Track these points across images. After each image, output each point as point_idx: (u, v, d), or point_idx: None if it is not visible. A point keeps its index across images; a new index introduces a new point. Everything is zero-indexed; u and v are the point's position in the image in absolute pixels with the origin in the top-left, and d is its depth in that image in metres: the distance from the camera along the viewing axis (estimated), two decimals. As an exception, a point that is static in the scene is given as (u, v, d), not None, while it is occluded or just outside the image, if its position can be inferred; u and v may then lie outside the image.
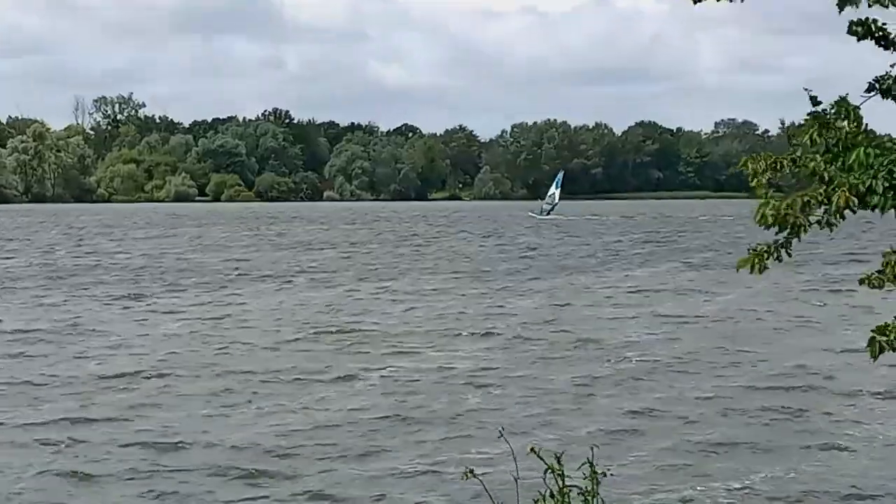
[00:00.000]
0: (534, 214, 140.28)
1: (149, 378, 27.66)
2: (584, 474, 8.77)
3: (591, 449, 9.12)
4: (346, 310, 42.67)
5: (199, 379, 27.46)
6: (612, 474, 9.29)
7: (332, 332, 35.55)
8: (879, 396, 24.84)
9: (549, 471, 8.75)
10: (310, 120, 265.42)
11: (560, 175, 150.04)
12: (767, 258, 8.13)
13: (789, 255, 8.17)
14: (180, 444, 20.82)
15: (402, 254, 76.03)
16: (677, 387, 26.46)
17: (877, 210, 7.66)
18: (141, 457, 19.94)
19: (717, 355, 31.11)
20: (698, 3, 8.19)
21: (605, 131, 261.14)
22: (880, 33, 7.99)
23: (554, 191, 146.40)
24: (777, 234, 7.99)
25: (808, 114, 7.93)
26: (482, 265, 65.33)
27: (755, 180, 8.11)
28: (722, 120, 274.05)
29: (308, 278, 56.87)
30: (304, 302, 45.46)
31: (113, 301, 45.82)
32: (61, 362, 30.13)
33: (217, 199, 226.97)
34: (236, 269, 61.83)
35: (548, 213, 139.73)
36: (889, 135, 7.95)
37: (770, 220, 7.82)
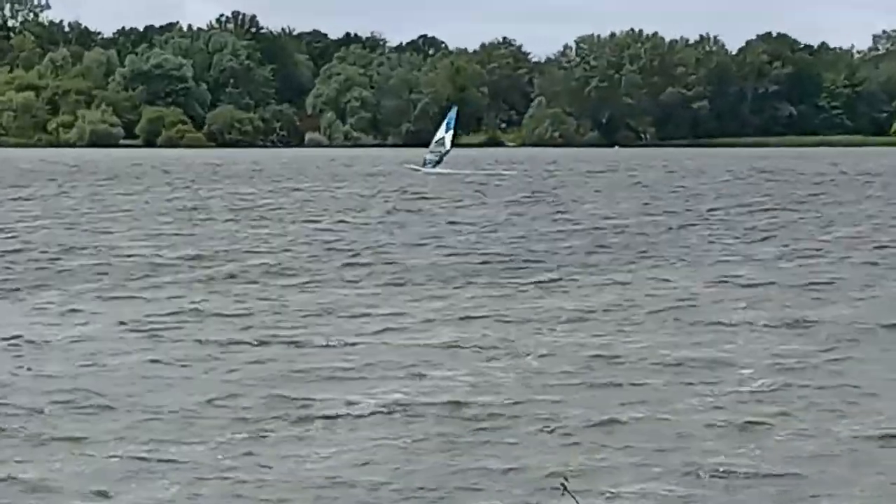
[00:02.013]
0: (416, 168, 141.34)
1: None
2: None
3: None
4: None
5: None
6: None
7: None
8: None
9: None
10: (285, 29, 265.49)
11: (452, 112, 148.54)
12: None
13: None
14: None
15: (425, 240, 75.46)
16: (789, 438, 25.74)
17: None
18: None
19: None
20: None
21: (714, 48, 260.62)
22: None
23: (443, 134, 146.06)
24: None
25: None
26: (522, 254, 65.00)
27: None
28: (884, 32, 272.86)
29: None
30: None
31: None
32: None
33: (151, 144, 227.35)
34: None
35: (434, 165, 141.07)
36: None
37: None
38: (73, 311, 42.00)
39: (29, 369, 29.87)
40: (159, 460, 22.93)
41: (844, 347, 32.61)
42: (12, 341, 33.52)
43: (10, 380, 28.52)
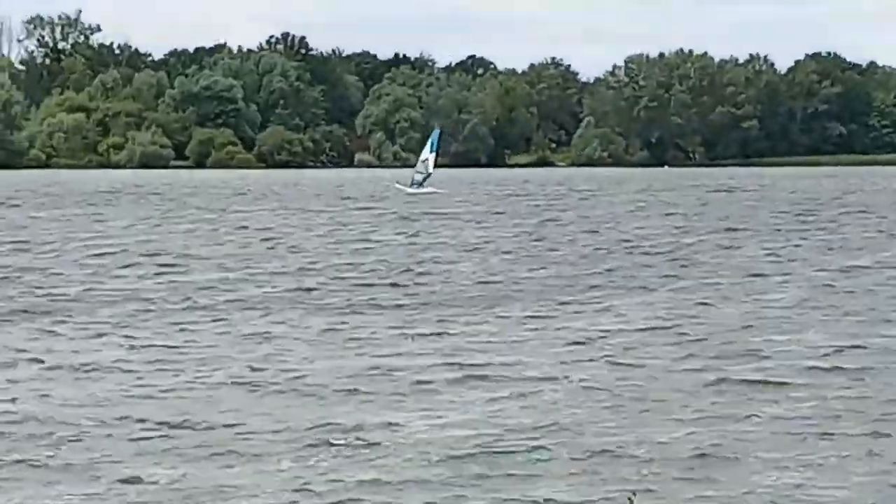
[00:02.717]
0: (401, 187, 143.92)
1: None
2: None
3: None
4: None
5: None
6: None
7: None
8: None
9: None
10: (335, 51, 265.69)
11: (435, 134, 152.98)
12: None
13: None
14: None
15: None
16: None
17: None
18: None
19: None
20: None
21: (764, 68, 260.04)
22: None
23: (428, 155, 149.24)
24: None
25: None
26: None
27: None
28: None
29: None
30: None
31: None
32: None
33: (202, 165, 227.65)
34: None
35: (420, 185, 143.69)
36: None
37: None
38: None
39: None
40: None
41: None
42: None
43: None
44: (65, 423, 27.70)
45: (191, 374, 33.32)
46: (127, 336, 39.86)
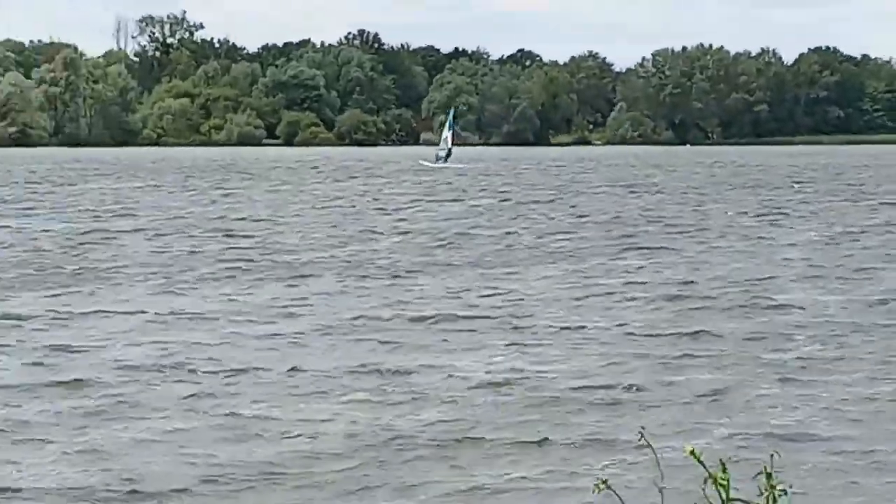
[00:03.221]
0: (426, 163, 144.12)
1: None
2: (760, 489, 8.42)
3: (771, 457, 8.74)
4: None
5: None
6: (795, 491, 8.88)
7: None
8: None
9: (711, 481, 8.39)
10: (403, 45, 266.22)
11: (451, 114, 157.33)
12: None
13: None
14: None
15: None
16: (857, 382, 26.25)
17: None
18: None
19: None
20: None
21: (772, 60, 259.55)
22: None
23: (446, 133, 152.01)
24: None
25: None
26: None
27: None
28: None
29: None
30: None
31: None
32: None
33: (290, 143, 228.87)
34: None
35: (444, 161, 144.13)
36: None
37: None
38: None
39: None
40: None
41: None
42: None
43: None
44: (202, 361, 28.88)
45: (286, 325, 33.42)
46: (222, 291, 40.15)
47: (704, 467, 8.43)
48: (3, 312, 35.26)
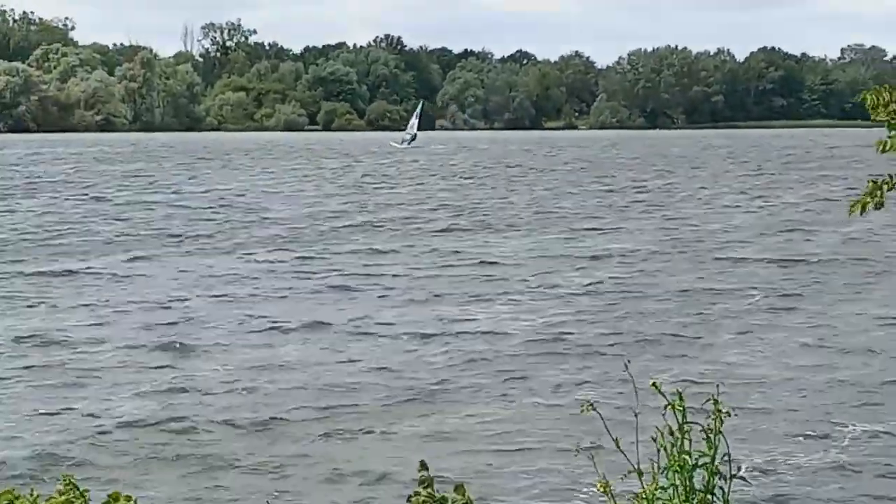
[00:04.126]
0: (395, 144, 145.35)
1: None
2: (708, 413, 8.99)
3: (717, 387, 9.34)
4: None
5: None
6: (736, 414, 9.47)
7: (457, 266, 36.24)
8: None
9: (670, 407, 8.99)
10: (422, 47, 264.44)
11: (420, 106, 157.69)
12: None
13: None
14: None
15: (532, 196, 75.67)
16: (796, 328, 26.54)
17: None
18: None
19: (839, 290, 31.11)
20: None
21: (727, 58, 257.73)
22: None
23: (413, 121, 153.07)
24: None
25: None
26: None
27: (877, 111, 8.08)
28: (849, 45, 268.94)
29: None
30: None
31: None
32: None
33: (328, 128, 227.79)
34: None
35: (409, 143, 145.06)
36: None
37: None
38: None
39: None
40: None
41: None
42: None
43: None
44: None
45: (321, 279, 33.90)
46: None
47: (664, 396, 9.10)
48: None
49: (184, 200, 63.92)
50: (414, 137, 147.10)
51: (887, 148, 8.19)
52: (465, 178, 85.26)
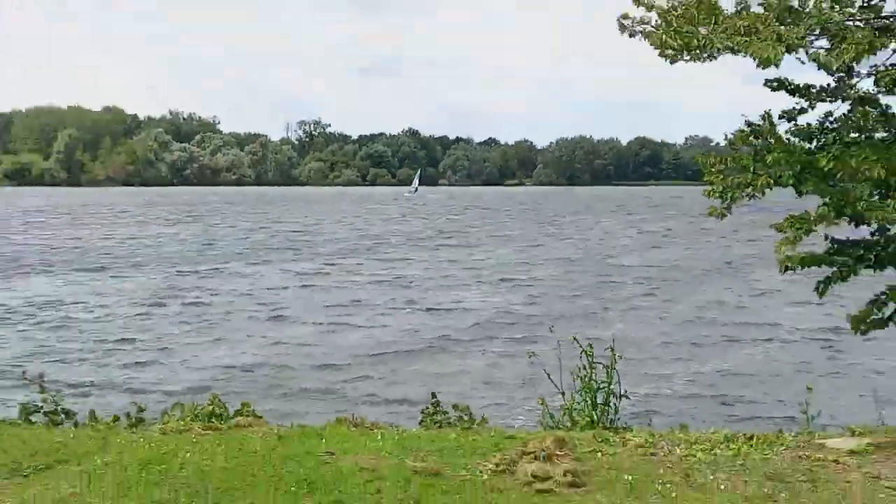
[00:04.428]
0: (406, 194, 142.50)
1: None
2: (606, 357, 8.95)
3: (612, 342, 9.27)
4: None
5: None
6: (623, 357, 9.40)
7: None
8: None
9: (584, 353, 8.94)
10: (431, 135, 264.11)
11: (419, 172, 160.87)
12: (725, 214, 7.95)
13: (729, 213, 7.95)
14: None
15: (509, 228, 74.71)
16: (659, 308, 26.36)
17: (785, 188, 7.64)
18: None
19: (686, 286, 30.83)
20: (674, 64, 7.65)
21: (617, 143, 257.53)
22: (791, 86, 7.96)
23: (416, 182, 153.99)
24: (723, 203, 7.84)
25: (742, 129, 7.89)
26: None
27: (706, 169, 8.03)
28: (690, 135, 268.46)
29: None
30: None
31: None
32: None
33: (373, 184, 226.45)
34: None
35: (413, 193, 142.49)
36: (795, 142, 7.88)
37: (717, 193, 7.80)
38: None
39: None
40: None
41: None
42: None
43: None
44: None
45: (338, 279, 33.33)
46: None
47: (580, 345, 9.04)
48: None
49: (283, 227, 63.70)
50: (416, 190, 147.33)
51: (709, 194, 8.16)
52: (454, 215, 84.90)
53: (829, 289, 7.89)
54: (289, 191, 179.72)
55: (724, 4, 7.23)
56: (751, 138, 7.81)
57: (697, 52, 7.17)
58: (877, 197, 7.27)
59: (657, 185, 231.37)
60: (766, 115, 7.83)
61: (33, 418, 8.00)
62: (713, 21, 7.06)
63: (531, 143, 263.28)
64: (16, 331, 21.78)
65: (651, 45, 7.13)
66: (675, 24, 7.07)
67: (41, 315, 23.92)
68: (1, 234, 50.75)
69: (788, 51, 7.09)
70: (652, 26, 7.19)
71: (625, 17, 7.22)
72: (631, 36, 7.22)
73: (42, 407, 8.15)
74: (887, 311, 7.93)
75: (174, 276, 33.32)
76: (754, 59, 6.87)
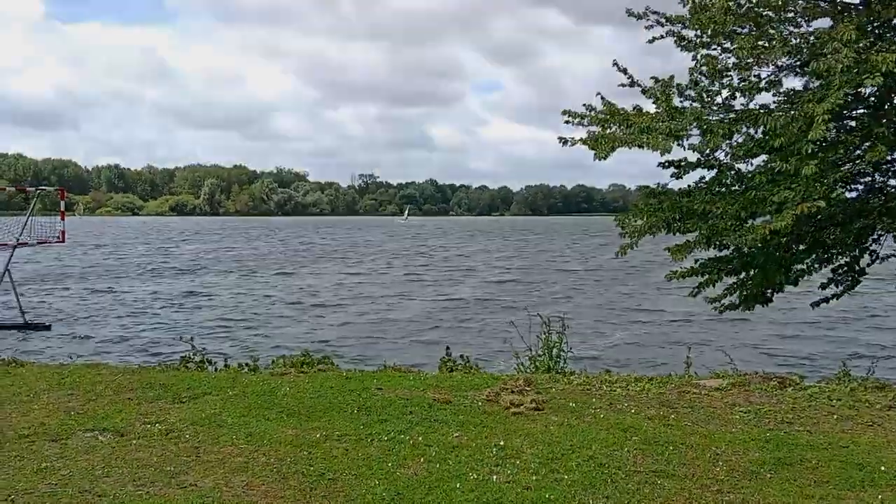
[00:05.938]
0: (399, 222, 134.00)
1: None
2: (558, 326, 8.88)
3: (561, 316, 9.18)
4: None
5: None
6: (570, 327, 9.27)
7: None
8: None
9: (543, 324, 8.89)
10: (444, 183, 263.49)
11: (408, 207, 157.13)
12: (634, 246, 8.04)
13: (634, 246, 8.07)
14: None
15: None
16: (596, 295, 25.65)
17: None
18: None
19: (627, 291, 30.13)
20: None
21: (563, 189, 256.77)
22: (675, 164, 8.05)
23: (406, 213, 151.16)
24: (631, 240, 7.98)
25: (643, 187, 8.13)
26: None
27: (621, 220, 8.20)
28: (612, 184, 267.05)
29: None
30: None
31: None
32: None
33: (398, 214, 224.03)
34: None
35: (405, 220, 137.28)
36: (680, 190, 7.97)
37: (627, 235, 8.02)
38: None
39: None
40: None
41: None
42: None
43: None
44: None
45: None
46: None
47: (542, 318, 8.99)
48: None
49: (336, 243, 62.22)
50: (407, 219, 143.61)
51: (617, 223, 8.21)
52: (447, 236, 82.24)
53: (701, 291, 8.12)
54: (351, 219, 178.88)
55: (623, 105, 7.30)
56: (650, 198, 7.99)
57: (612, 151, 7.26)
58: (733, 228, 7.35)
59: (590, 216, 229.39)
60: (659, 185, 8.00)
61: (189, 365, 8.16)
62: (625, 124, 7.20)
63: (508, 188, 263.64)
64: (178, 310, 21.69)
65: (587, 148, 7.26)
66: (599, 143, 7.19)
67: (192, 301, 23.77)
68: (172, 245, 50.18)
69: (676, 139, 7.22)
70: (583, 141, 7.30)
71: (562, 139, 7.35)
72: (571, 145, 7.31)
73: (193, 357, 8.34)
74: (733, 299, 8.12)
75: (273, 276, 33.01)
76: (653, 150, 6.99)
